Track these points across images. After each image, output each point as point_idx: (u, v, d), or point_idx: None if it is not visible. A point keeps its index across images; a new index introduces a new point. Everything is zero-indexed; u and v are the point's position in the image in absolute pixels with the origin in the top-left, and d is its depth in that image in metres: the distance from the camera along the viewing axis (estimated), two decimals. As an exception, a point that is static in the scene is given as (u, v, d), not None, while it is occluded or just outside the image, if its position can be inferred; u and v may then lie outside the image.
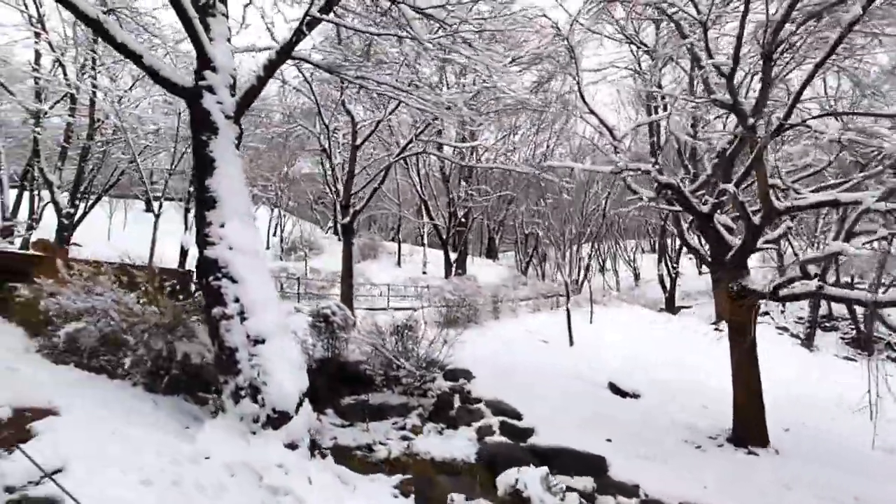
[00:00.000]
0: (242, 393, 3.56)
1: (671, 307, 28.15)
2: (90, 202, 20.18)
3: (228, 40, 6.11)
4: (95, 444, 3.06)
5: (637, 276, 40.35)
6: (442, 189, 26.43)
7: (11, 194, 19.27)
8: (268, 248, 33.54)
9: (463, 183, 24.38)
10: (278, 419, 3.53)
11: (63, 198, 16.30)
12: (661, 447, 6.54)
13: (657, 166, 7.40)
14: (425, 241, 31.04)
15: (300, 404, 3.70)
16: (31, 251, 12.59)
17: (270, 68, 5.48)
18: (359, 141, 11.04)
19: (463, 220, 25.32)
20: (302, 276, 17.42)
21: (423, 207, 25.60)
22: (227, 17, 6.21)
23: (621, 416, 7.61)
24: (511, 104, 11.69)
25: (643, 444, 6.47)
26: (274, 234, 34.97)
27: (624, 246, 42.57)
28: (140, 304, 4.95)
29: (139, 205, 38.61)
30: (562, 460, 5.63)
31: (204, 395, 4.44)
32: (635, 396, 8.78)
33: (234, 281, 3.89)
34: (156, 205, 14.57)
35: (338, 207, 37.21)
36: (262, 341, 3.70)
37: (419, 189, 23.99)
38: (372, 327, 8.79)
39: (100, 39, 15.50)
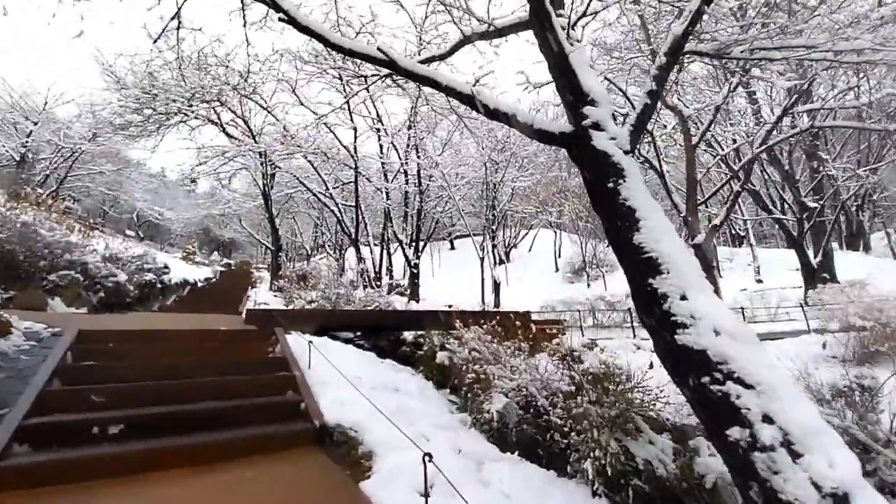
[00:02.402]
0: None
1: None
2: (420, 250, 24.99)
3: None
4: None
5: None
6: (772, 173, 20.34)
7: (377, 252, 25.86)
8: (556, 270, 34.15)
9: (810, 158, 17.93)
10: None
11: (409, 250, 20.38)
12: None
13: None
14: (752, 242, 24.71)
15: None
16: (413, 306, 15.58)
17: (662, 76, 4.28)
18: (695, 139, 8.85)
19: (815, 205, 18.51)
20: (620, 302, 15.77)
21: (755, 198, 20.15)
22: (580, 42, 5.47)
23: None
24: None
25: None
26: (559, 256, 35.32)
27: None
28: (564, 382, 4.38)
29: (445, 245, 46.54)
30: None
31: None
32: None
33: (746, 386, 2.62)
34: (478, 247, 16.00)
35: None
36: (845, 498, 2.23)
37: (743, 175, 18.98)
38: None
39: (418, 118, 18.99)
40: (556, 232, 36.14)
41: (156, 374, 4.32)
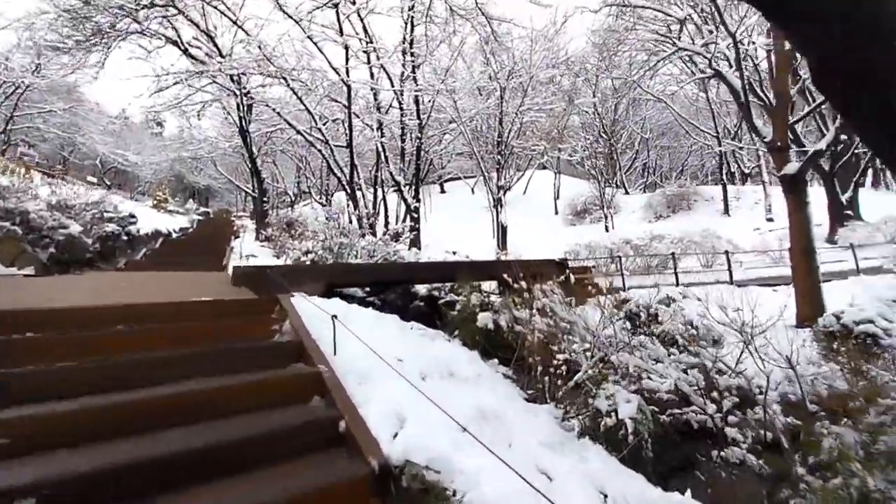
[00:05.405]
0: None
1: None
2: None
3: None
4: None
5: None
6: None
7: (369, 196, 23.74)
8: (556, 213, 32.69)
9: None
10: None
11: (408, 193, 18.46)
12: None
13: None
14: (765, 178, 23.42)
15: None
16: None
17: None
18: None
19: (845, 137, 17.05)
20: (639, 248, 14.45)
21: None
22: None
23: None
24: None
25: None
26: (558, 198, 33.78)
27: None
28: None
29: (436, 188, 44.37)
30: None
31: None
32: None
33: None
34: (493, 192, 14.26)
35: (614, 159, 32.69)
36: None
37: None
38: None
39: (413, 39, 16.35)
40: (556, 173, 34.36)
41: (100, 382, 2.71)
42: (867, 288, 10.83)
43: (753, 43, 10.75)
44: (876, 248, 14.41)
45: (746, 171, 31.79)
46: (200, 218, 26.47)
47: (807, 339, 5.55)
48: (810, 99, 15.38)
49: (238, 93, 14.86)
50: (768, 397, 2.93)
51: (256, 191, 18.14)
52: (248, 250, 12.73)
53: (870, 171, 24.90)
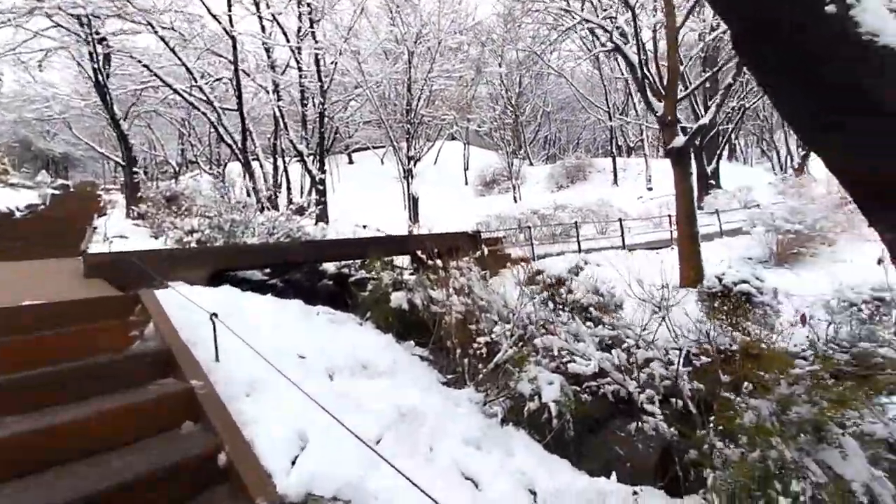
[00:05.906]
0: None
1: None
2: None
3: None
4: None
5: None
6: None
7: (268, 166, 21.56)
8: (466, 183, 32.97)
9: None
10: None
11: (312, 164, 17.04)
12: None
13: None
14: (646, 151, 25.72)
15: None
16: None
17: None
18: (680, 18, 7.40)
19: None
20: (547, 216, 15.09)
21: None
22: None
23: None
24: None
25: None
26: (467, 169, 34.08)
27: None
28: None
29: (343, 159, 42.14)
30: None
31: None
32: None
33: None
34: (402, 163, 13.64)
35: (519, 131, 33.78)
36: None
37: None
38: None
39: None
40: (465, 144, 34.50)
41: None
42: (730, 248, 12.46)
43: (639, 21, 11.39)
44: (734, 213, 16.72)
45: (631, 144, 34.78)
46: (56, 192, 22.06)
47: (691, 300, 6.00)
48: (687, 80, 16.94)
49: (90, 39, 12.19)
50: (680, 368, 3.04)
51: (125, 160, 15.40)
52: (118, 230, 10.82)
53: (727, 146, 28.70)
